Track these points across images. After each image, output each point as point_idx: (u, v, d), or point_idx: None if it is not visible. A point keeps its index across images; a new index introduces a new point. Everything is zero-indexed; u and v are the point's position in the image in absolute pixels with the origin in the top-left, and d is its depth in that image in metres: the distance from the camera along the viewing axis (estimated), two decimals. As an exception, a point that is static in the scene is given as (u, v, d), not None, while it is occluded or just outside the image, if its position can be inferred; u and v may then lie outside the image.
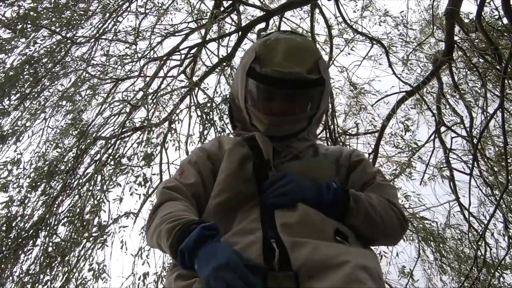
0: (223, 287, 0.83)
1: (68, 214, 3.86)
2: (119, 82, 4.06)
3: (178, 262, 0.97)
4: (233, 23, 4.79)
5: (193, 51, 4.20)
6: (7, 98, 3.86)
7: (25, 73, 4.06)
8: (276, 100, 1.18)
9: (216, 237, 0.96)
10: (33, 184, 3.87)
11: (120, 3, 4.13)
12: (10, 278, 3.61)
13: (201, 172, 1.23)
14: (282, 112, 1.19)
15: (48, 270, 3.70)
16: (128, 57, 4.08)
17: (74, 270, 3.76)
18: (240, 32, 4.35)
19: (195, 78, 4.11)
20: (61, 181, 3.97)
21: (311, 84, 1.17)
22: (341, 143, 4.09)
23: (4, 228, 3.61)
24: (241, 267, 0.86)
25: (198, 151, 1.32)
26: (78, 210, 3.84)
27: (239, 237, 1.00)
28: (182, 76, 4.18)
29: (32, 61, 4.09)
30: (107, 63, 4.15)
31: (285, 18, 4.41)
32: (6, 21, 3.77)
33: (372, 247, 1.17)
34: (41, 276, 3.68)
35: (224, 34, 4.50)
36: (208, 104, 3.98)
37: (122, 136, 4.10)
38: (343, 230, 1.06)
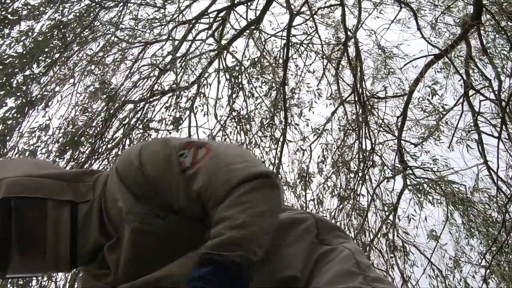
0: None
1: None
2: (148, 46, 4.08)
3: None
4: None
5: (221, 14, 4.20)
6: (36, 63, 3.89)
7: (54, 38, 4.08)
8: None
9: None
10: (62, 149, 3.89)
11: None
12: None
13: None
14: None
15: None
16: (156, 20, 4.10)
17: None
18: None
19: (223, 42, 4.11)
20: (90, 145, 3.98)
21: None
22: (369, 106, 4.09)
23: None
24: None
25: None
26: (106, 175, 3.84)
27: None
28: (210, 40, 4.18)
29: (61, 26, 4.12)
30: (136, 27, 4.16)
31: (315, -17, 4.41)
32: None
33: None
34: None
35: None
36: (237, 68, 3.99)
37: (151, 100, 4.10)
38: None
